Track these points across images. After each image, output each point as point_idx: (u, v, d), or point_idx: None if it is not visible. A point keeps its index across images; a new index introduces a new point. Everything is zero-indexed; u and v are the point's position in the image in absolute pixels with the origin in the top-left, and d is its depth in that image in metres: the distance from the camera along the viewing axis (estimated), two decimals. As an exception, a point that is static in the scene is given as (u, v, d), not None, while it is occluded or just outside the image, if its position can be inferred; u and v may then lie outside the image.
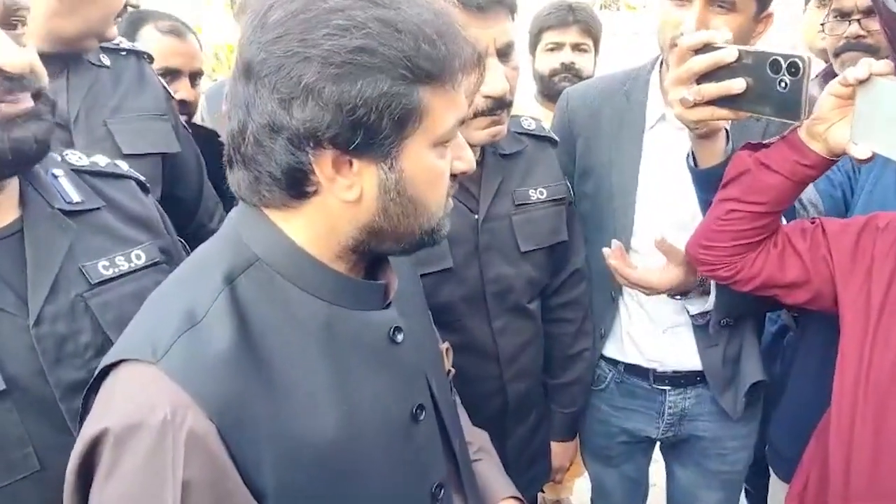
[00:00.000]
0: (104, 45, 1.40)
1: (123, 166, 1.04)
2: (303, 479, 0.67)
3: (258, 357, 0.66)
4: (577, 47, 2.20)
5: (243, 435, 0.63)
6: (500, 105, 1.17)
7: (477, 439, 1.05)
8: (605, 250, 1.37)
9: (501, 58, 1.16)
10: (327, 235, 0.71)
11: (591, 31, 2.21)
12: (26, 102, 0.79)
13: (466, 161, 0.74)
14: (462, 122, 0.72)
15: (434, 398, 0.83)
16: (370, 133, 0.63)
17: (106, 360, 0.66)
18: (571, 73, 2.18)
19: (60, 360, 0.84)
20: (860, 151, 0.94)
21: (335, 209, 0.69)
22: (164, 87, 1.54)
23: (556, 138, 1.46)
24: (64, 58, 1.30)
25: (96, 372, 0.67)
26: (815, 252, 1.10)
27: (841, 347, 1.07)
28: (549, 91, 2.24)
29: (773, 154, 1.04)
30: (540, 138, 1.42)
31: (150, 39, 1.76)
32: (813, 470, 1.16)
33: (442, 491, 0.81)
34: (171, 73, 1.77)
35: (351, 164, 0.66)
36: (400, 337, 0.77)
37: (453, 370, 0.98)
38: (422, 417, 0.79)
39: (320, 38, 0.61)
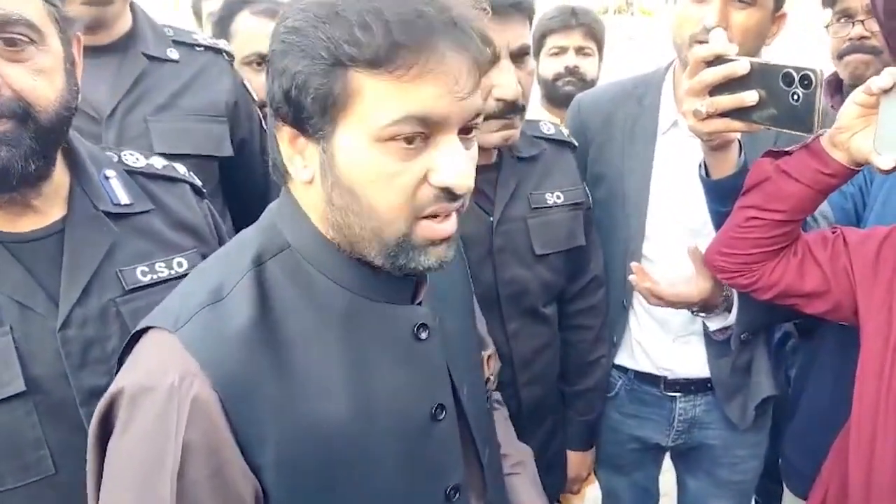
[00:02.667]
0: (179, 38, 1.38)
1: (181, 170, 1.04)
2: (306, 460, 0.68)
3: (275, 337, 0.68)
4: (580, 51, 2.20)
5: (247, 409, 0.65)
6: (512, 109, 1.16)
7: (517, 454, 1.03)
8: (632, 277, 1.36)
9: (515, 61, 1.16)
10: (318, 220, 0.72)
11: (595, 34, 2.21)
12: None
13: (446, 174, 0.66)
14: (436, 126, 0.65)
15: (459, 400, 0.82)
16: (298, 109, 0.66)
17: (138, 326, 0.71)
18: (575, 76, 2.18)
19: (85, 364, 0.84)
20: (883, 161, 0.93)
21: (304, 192, 0.72)
22: (244, 88, 1.49)
23: (576, 143, 1.45)
24: (112, 48, 1.28)
25: (129, 337, 0.72)
26: (836, 262, 1.09)
27: (861, 360, 1.06)
28: (553, 95, 2.24)
29: (794, 162, 1.03)
30: (559, 142, 1.41)
31: (243, 24, 1.71)
32: (832, 485, 1.15)
33: (458, 494, 0.80)
34: (265, 60, 1.71)
35: (302, 143, 0.68)
36: (425, 334, 0.77)
37: (493, 378, 0.95)
38: (441, 417, 0.78)
39: (286, 19, 0.66)
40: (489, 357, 0.95)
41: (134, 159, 0.99)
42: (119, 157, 0.98)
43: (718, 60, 1.01)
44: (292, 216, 0.74)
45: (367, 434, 0.72)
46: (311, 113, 0.65)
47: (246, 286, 0.69)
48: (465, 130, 0.69)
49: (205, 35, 1.47)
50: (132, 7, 1.35)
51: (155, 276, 0.91)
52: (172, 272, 0.93)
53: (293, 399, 0.68)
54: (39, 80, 0.79)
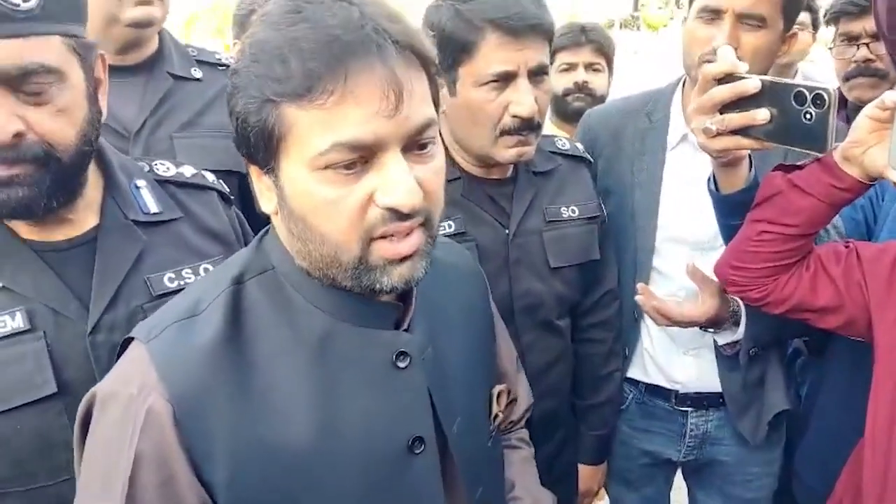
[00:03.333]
0: (202, 58, 1.44)
1: (210, 178, 1.07)
2: (260, 482, 0.68)
3: (241, 355, 0.69)
4: (590, 67, 2.22)
5: (199, 424, 0.66)
6: (527, 126, 1.18)
7: (531, 497, 0.98)
8: (639, 298, 1.37)
9: (533, 80, 1.18)
10: (290, 248, 0.73)
11: (604, 50, 2.23)
12: (10, 171, 0.79)
13: (391, 194, 0.64)
14: (374, 148, 0.64)
15: (443, 432, 0.79)
16: (247, 146, 0.68)
17: (126, 336, 0.74)
18: (585, 92, 2.20)
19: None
20: None
21: (275, 224, 0.74)
22: None
23: (591, 158, 1.46)
24: (140, 68, 1.34)
25: (123, 340, 0.75)
26: (849, 277, 1.08)
27: (875, 377, 1.05)
28: (562, 110, 2.26)
29: (806, 176, 1.03)
30: (574, 158, 1.43)
31: None
32: (845, 502, 1.13)
33: None
34: None
35: (264, 178, 0.70)
36: (405, 363, 0.75)
37: (501, 416, 0.91)
38: (420, 451, 0.75)
39: (235, 62, 0.69)
40: (500, 393, 0.91)
41: (164, 168, 1.02)
42: (150, 166, 1.01)
43: (728, 78, 1.00)
44: (275, 242, 0.75)
45: (330, 461, 0.70)
46: (257, 148, 0.67)
47: (220, 304, 0.71)
48: (416, 146, 0.67)
49: (227, 54, 1.52)
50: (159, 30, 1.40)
51: (182, 283, 0.93)
52: (199, 278, 0.95)
53: (249, 419, 0.68)
54: (61, 120, 0.82)
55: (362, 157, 0.64)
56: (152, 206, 0.96)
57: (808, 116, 0.93)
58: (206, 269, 0.97)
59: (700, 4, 1.27)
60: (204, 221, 1.01)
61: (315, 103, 0.62)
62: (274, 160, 0.67)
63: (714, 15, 1.25)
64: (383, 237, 0.67)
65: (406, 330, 0.77)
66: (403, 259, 0.69)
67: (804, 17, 2.09)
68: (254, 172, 0.72)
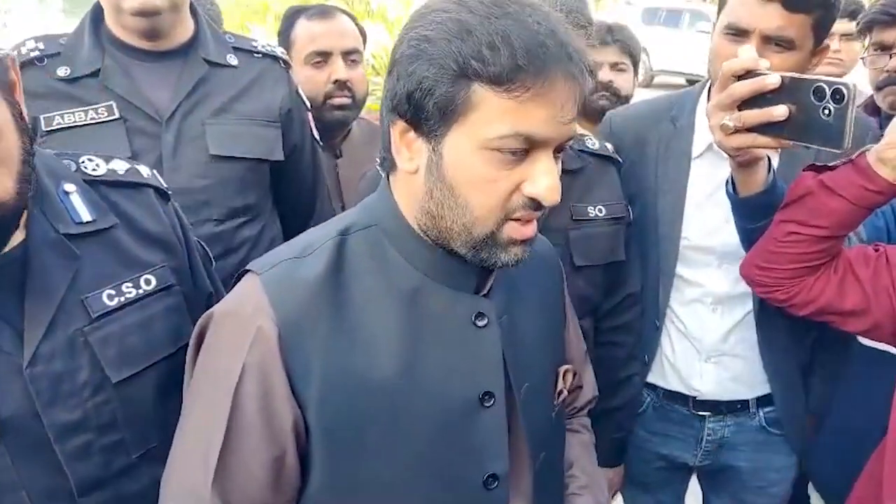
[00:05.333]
0: (238, 45, 1.45)
1: (144, 172, 0.97)
2: (345, 406, 0.76)
3: (339, 294, 0.78)
4: (615, 66, 2.22)
5: (299, 347, 0.75)
6: None
7: (588, 479, 1.03)
8: None
9: None
10: (409, 206, 0.80)
11: (630, 50, 2.23)
12: None
13: (539, 187, 0.73)
14: (537, 144, 0.72)
15: (512, 393, 0.85)
16: (419, 110, 0.72)
17: (244, 268, 0.82)
18: (609, 91, 2.19)
19: (55, 400, 0.80)
20: None
21: (404, 180, 0.79)
22: (299, 96, 1.54)
23: (620, 159, 1.46)
24: (174, 54, 1.35)
25: (237, 274, 0.82)
26: (878, 281, 1.08)
27: None
28: (586, 109, 2.24)
29: (837, 177, 1.03)
30: (603, 158, 1.43)
31: (301, 29, 1.79)
32: (866, 501, 1.13)
33: (497, 483, 0.83)
34: (322, 56, 1.77)
35: (412, 138, 0.75)
36: (483, 322, 0.82)
37: (566, 393, 0.97)
38: (489, 404, 0.82)
39: (415, 27, 0.73)
40: (567, 371, 0.97)
41: (94, 166, 0.92)
42: (77, 164, 0.92)
43: (748, 75, 1.00)
44: (385, 200, 0.82)
45: (408, 400, 0.78)
46: (430, 115, 0.72)
47: (326, 249, 0.80)
48: (557, 150, 0.75)
49: (263, 42, 1.53)
50: (194, 15, 1.41)
51: (122, 299, 0.86)
52: (140, 291, 0.88)
53: (342, 349, 0.76)
54: None
55: (526, 149, 0.72)
56: (84, 214, 0.86)
57: (826, 112, 0.92)
58: (147, 280, 0.89)
59: (726, 21, 1.23)
60: (141, 225, 0.92)
61: (512, 94, 0.68)
62: (443, 129, 0.72)
63: (740, 35, 1.21)
64: (515, 219, 0.75)
65: (485, 296, 0.84)
66: (523, 241, 0.77)
67: (850, 26, 2.07)
68: (400, 131, 0.76)
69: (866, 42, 1.75)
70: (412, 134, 0.75)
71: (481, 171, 0.72)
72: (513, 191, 0.73)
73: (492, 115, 0.70)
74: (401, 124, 0.75)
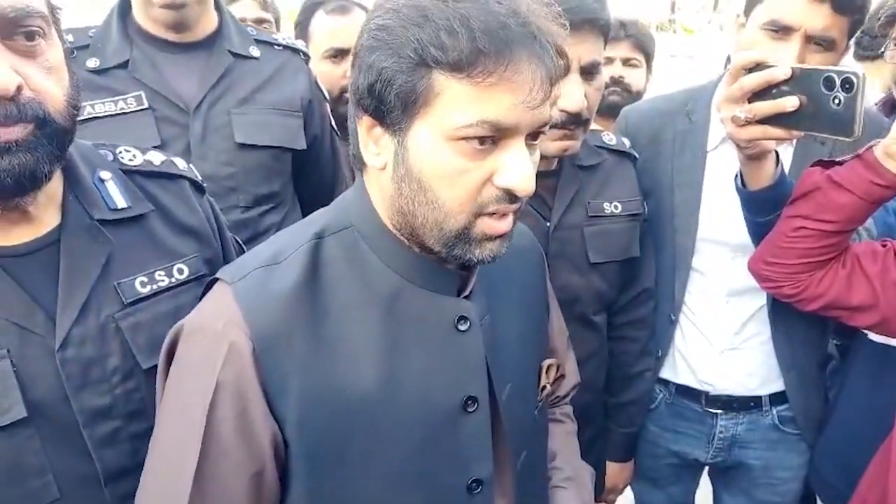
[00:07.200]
0: (260, 37, 1.50)
1: (181, 165, 0.98)
2: (325, 420, 0.73)
3: (316, 303, 0.74)
4: (627, 62, 2.21)
5: (275, 362, 0.71)
6: (574, 120, 1.18)
7: (572, 470, 1.02)
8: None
9: (584, 76, 1.17)
10: (383, 205, 0.76)
11: (643, 46, 2.22)
12: (12, 133, 0.71)
13: (510, 178, 0.68)
14: (506, 132, 0.68)
15: (494, 397, 0.82)
16: (381, 103, 0.69)
17: (213, 276, 0.79)
18: (621, 87, 2.18)
19: (85, 385, 0.80)
20: None
21: (376, 178, 0.76)
22: (318, 88, 1.58)
23: (636, 155, 1.46)
24: (200, 46, 1.39)
25: (205, 284, 0.80)
26: (886, 276, 1.08)
27: None
28: (598, 106, 2.25)
29: (845, 172, 1.03)
30: (620, 153, 1.43)
31: (318, 24, 1.83)
32: (870, 499, 1.13)
33: (480, 488, 0.81)
34: (341, 53, 1.81)
35: (378, 133, 0.72)
36: (465, 326, 0.79)
37: (549, 388, 0.95)
38: (472, 410, 0.80)
39: (374, 16, 0.70)
40: (550, 366, 0.95)
41: (130, 156, 0.93)
42: (114, 154, 0.93)
43: (758, 67, 1.01)
44: (360, 200, 0.79)
45: (390, 409, 0.75)
46: (392, 107, 0.69)
47: (301, 255, 0.76)
48: (531, 136, 0.71)
49: (283, 35, 1.58)
50: (219, 8, 1.46)
51: (155, 287, 0.87)
52: (173, 280, 0.89)
53: (320, 362, 0.73)
54: (51, 78, 0.75)
55: (495, 137, 0.68)
56: (119, 200, 0.87)
57: (836, 101, 0.93)
58: (179, 270, 0.90)
59: (768, 17, 1.22)
60: (176, 215, 0.93)
61: (473, 79, 0.65)
62: (407, 121, 0.69)
63: (783, 32, 1.20)
64: (489, 214, 0.71)
65: (467, 298, 0.81)
66: (498, 237, 0.73)
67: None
68: (366, 126, 0.73)
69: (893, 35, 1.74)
70: (378, 129, 0.72)
71: (449, 164, 0.68)
72: (484, 182, 0.69)
73: (455, 103, 0.66)
74: (366, 119, 0.72)
